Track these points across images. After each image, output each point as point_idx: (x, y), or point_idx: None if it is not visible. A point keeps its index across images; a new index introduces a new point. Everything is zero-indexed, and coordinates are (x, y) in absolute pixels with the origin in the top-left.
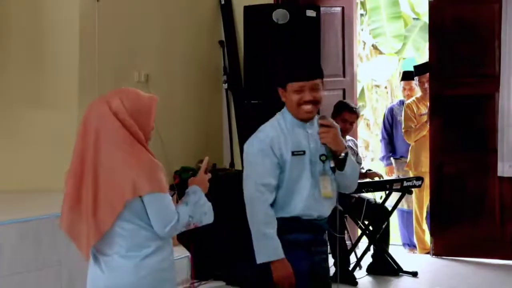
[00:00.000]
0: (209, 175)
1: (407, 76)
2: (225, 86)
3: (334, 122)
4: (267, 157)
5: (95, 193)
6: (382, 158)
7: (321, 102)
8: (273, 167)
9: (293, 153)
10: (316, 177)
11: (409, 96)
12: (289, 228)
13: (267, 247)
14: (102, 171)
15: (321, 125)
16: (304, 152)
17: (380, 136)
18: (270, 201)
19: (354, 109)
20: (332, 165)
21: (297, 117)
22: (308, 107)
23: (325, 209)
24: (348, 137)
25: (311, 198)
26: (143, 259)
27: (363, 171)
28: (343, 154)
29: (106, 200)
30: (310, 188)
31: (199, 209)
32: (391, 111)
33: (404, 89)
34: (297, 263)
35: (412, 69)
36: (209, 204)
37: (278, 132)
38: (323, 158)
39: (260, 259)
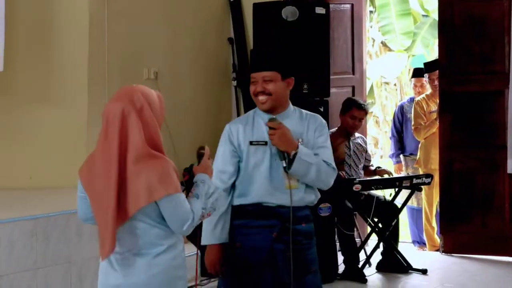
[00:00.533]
0: (212, 161)
1: (418, 73)
2: (234, 83)
3: (283, 124)
4: (226, 145)
5: (113, 194)
6: (392, 156)
7: (274, 94)
8: (230, 155)
9: (251, 143)
10: (278, 167)
11: (420, 93)
12: (246, 214)
13: (205, 231)
14: (127, 174)
15: (268, 127)
16: (265, 143)
17: (389, 134)
18: (224, 187)
19: (363, 105)
20: (284, 165)
21: (258, 108)
22: (261, 98)
23: (287, 199)
24: (357, 134)
25: (270, 187)
26: (155, 257)
27: (373, 168)
28: (292, 154)
29: (122, 202)
30: (268, 177)
31: (211, 197)
32: (401, 108)
33: (415, 86)
34: (251, 250)
35: (421, 66)
36: (220, 189)
37: (242, 122)
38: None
39: (202, 241)
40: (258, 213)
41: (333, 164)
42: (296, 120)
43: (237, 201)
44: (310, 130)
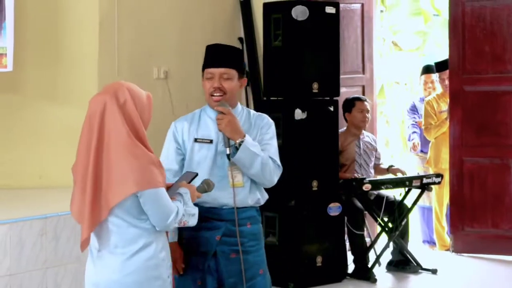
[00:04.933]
0: (200, 195)
1: (428, 70)
2: None
3: (231, 111)
4: (170, 143)
5: (96, 184)
6: (409, 138)
7: (229, 93)
8: (174, 152)
9: (196, 140)
10: (222, 166)
11: (430, 90)
12: None
13: None
14: (104, 165)
15: (218, 112)
16: (210, 141)
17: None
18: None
19: (363, 98)
20: (228, 152)
21: (210, 106)
22: (215, 96)
23: (231, 199)
24: (366, 133)
25: None
26: (130, 257)
27: (384, 166)
28: (238, 142)
29: (106, 192)
30: (210, 175)
31: (189, 209)
32: (413, 107)
33: (425, 82)
34: (195, 253)
35: (431, 63)
36: (197, 208)
37: (188, 120)
38: (229, 144)
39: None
40: (201, 215)
41: (278, 162)
42: (244, 119)
43: None
44: (256, 129)
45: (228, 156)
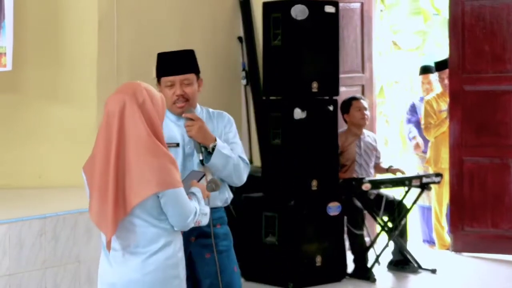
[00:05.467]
0: (209, 195)
1: (425, 70)
2: (244, 82)
3: (199, 116)
4: None
5: (117, 185)
6: (410, 138)
7: (191, 99)
8: None
9: None
10: (191, 168)
11: (428, 90)
12: None
13: None
14: (126, 165)
15: (186, 119)
16: (177, 145)
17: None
18: None
19: (360, 97)
20: (201, 158)
21: (171, 112)
22: (179, 103)
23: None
24: (367, 133)
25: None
26: (150, 256)
27: (385, 166)
28: (211, 146)
29: (127, 192)
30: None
31: (203, 208)
32: (412, 106)
33: (422, 83)
34: None
35: (429, 64)
36: (208, 207)
37: None
38: (202, 150)
39: None
40: None
41: (247, 160)
42: (206, 120)
43: None
44: (219, 128)
45: (202, 161)
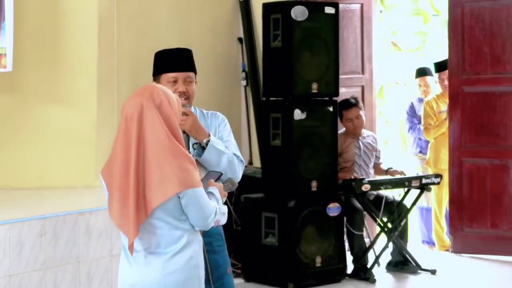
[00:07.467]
0: (226, 194)
1: (421, 73)
2: (244, 83)
3: (192, 111)
4: None
5: (138, 187)
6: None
7: (191, 97)
8: None
9: None
10: None
11: (425, 93)
12: None
13: None
14: (146, 166)
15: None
16: None
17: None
18: None
19: (350, 103)
20: (192, 153)
21: None
22: (181, 100)
23: None
24: (367, 133)
25: None
26: (172, 256)
27: (384, 168)
28: (204, 141)
29: (148, 193)
30: None
31: (221, 208)
32: (411, 107)
33: (419, 86)
34: None
35: (431, 65)
36: (226, 207)
37: None
38: (195, 146)
39: None
40: None
41: (241, 157)
42: (199, 118)
43: None
44: (213, 127)
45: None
